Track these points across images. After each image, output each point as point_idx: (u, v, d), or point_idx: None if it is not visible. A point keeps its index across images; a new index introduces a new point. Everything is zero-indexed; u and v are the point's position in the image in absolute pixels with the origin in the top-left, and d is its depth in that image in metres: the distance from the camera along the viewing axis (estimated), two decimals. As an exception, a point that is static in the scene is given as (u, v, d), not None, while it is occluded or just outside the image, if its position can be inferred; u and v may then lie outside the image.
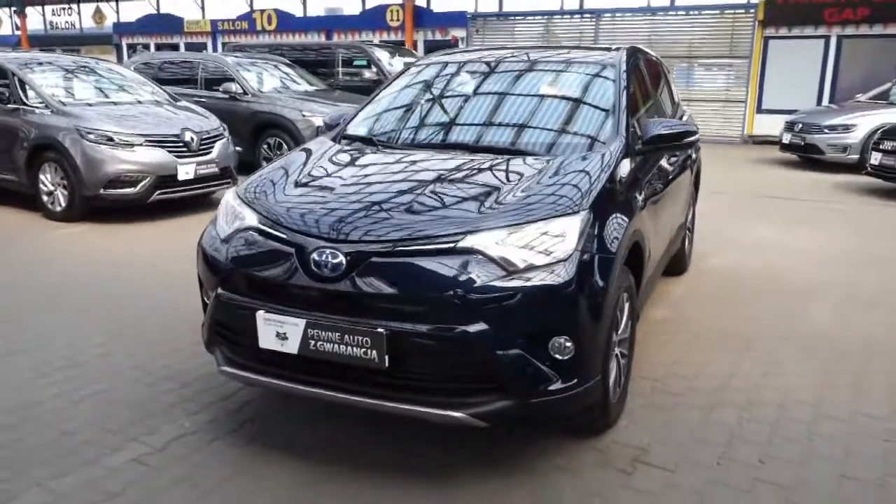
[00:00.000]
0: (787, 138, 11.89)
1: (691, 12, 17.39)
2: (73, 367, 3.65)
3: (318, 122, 9.43)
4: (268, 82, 10.58)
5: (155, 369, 3.65)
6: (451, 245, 2.50)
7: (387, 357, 2.43)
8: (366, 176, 3.12)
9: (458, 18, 20.68)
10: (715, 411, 3.21)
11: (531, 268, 2.47)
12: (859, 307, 4.68)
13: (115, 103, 7.69)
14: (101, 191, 6.84)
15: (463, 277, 2.43)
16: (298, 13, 24.68)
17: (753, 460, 2.81)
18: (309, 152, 3.48)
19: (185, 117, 7.68)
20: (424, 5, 22.12)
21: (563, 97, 3.68)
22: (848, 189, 9.58)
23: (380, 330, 2.42)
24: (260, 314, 2.60)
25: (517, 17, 19.66)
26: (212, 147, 7.55)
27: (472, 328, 2.39)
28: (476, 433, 2.84)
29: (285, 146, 9.53)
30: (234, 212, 3.00)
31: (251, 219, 2.86)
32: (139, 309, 4.50)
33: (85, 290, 4.89)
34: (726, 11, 17.01)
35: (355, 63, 13.09)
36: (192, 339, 3.97)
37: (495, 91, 3.81)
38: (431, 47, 19.38)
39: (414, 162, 3.20)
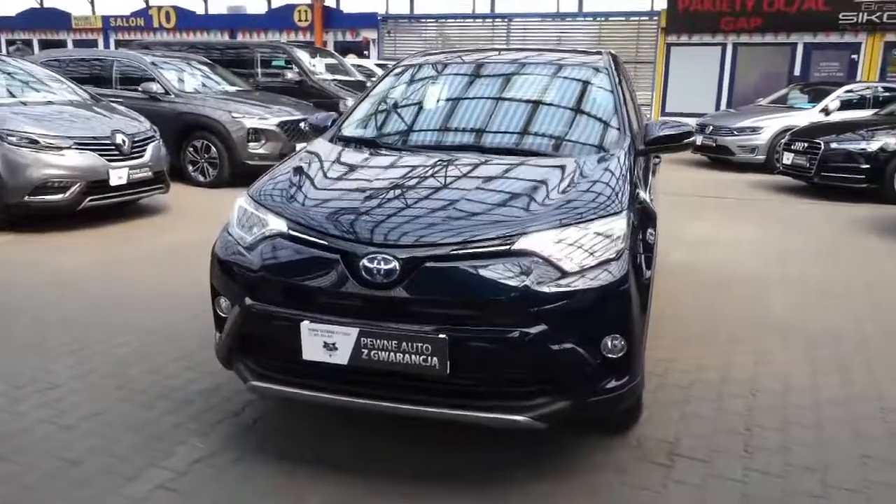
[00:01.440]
0: (699, 140, 12.53)
1: (598, 18, 18.07)
2: (50, 390, 3.35)
3: (250, 123, 9.12)
4: (189, 82, 10.10)
5: (143, 388, 3.40)
6: (506, 247, 2.47)
7: (448, 363, 2.36)
8: (392, 179, 3.03)
9: (368, 19, 20.54)
10: (725, 401, 3.33)
11: (586, 268, 2.47)
12: (812, 295, 4.99)
13: (24, 103, 7.10)
14: (26, 198, 6.31)
15: (520, 279, 2.41)
16: (199, 10, 23.76)
17: (777, 446, 2.93)
18: (316, 155, 3.34)
19: (113, 119, 7.21)
20: (334, 5, 21.82)
21: (564, 99, 3.71)
22: (764, 187, 10.20)
23: (442, 336, 2.35)
24: (304, 325, 2.46)
25: (428, 20, 19.75)
26: (144, 150, 7.13)
27: (533, 330, 2.37)
28: (503, 437, 2.83)
29: (213, 149, 9.13)
30: (253, 217, 2.83)
31: (278, 224, 2.71)
32: (102, 326, 4.17)
33: (31, 308, 4.48)
34: (631, 18, 17.80)
35: (274, 63, 12.72)
36: (171, 353, 3.76)
37: (493, 93, 3.79)
38: (342, 49, 19.14)
39: (435, 164, 3.13)
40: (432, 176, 3.01)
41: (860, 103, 11.95)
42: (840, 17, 15.68)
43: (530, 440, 2.90)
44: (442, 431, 2.91)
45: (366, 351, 2.42)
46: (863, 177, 8.60)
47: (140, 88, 9.41)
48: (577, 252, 2.50)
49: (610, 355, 2.50)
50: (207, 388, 3.38)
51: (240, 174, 8.75)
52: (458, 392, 2.46)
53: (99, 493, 2.55)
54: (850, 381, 3.57)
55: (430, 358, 2.37)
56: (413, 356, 2.38)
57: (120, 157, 6.82)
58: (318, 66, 12.68)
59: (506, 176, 2.96)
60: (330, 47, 21.05)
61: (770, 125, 11.50)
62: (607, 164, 3.03)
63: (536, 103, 3.68)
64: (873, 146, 8.55)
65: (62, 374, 3.53)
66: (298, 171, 3.12)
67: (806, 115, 11.35)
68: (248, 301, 2.62)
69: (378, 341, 2.40)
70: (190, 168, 9.38)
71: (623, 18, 17.86)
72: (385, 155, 3.35)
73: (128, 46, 14.13)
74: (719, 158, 12.22)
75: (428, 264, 2.43)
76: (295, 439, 2.96)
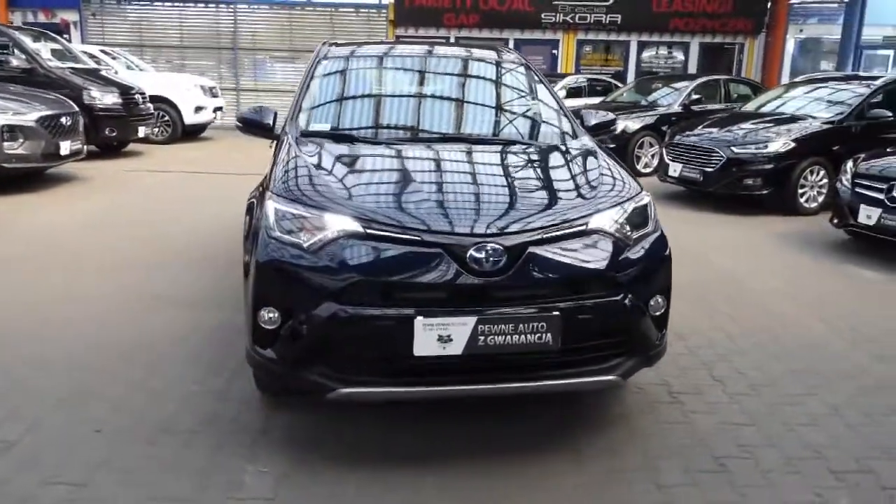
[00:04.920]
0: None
1: (329, 9, 18.24)
2: (27, 433, 2.76)
3: (3, 120, 7.69)
4: None
5: (159, 420, 3.01)
6: (583, 227, 2.73)
7: (560, 337, 2.57)
8: (423, 171, 3.08)
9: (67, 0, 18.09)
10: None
11: (639, 239, 2.85)
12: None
13: None
14: None
15: (604, 253, 2.70)
16: None
17: (735, 374, 3.63)
18: (314, 150, 3.19)
19: None
20: (18, -21, 18.75)
21: (513, 89, 4.00)
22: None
23: (556, 313, 2.55)
24: (419, 321, 2.46)
25: (142, 3, 18.08)
26: None
27: (620, 296, 2.68)
28: (516, 409, 3.10)
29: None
30: (301, 220, 2.68)
31: (343, 223, 2.61)
32: (65, 344, 3.48)
33: None
34: (361, 10, 18.29)
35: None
36: (164, 373, 3.38)
37: (446, 85, 3.95)
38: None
39: (449, 154, 3.25)
40: (462, 166, 3.15)
41: (577, 91, 13.98)
42: (542, 16, 17.94)
43: (553, 412, 3.18)
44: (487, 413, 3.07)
45: (482, 338, 2.51)
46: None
47: None
48: (629, 227, 2.86)
49: (656, 313, 2.91)
50: (208, 414, 3.07)
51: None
52: (557, 363, 2.67)
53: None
54: (776, 340, 4.46)
55: (544, 335, 2.55)
56: (528, 335, 2.54)
57: None
58: (43, 51, 11.02)
59: (531, 164, 3.21)
60: (18, 29, 18.15)
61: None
62: (595, 151, 3.41)
63: (486, 96, 3.93)
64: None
65: (46, 415, 2.91)
66: (315, 167, 3.01)
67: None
68: (333, 306, 2.51)
69: (495, 326, 2.51)
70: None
71: (353, 9, 18.27)
72: (385, 147, 3.34)
73: None
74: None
75: (531, 249, 2.59)
76: (359, 446, 2.88)
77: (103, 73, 11.89)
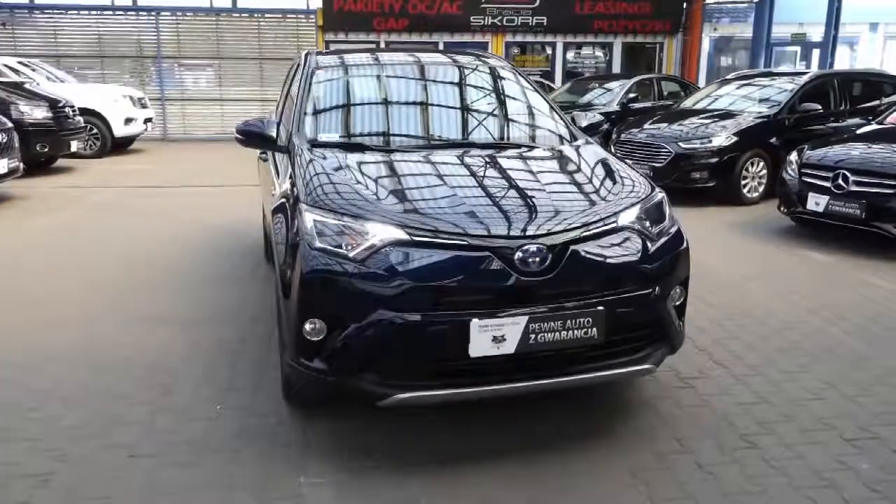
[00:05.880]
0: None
1: (255, 15, 17.92)
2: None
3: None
4: None
5: (193, 440, 2.96)
6: (613, 225, 2.87)
7: (605, 331, 2.69)
8: (453, 176, 3.14)
9: (-29, 9, 17.09)
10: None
11: (661, 234, 3.01)
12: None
13: None
14: None
15: (635, 249, 2.85)
16: None
17: (728, 353, 3.85)
18: (336, 160, 3.21)
19: None
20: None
21: (507, 94, 4.10)
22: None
23: (600, 307, 2.67)
24: (474, 323, 2.53)
25: (56, 11, 17.27)
26: None
27: (653, 288, 2.83)
28: (544, 405, 3.22)
29: None
30: (343, 229, 2.70)
31: (387, 232, 2.66)
32: (65, 371, 3.31)
33: None
34: (289, 16, 18.05)
35: None
36: (180, 393, 3.31)
37: (444, 91, 4.01)
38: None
39: (473, 160, 3.35)
40: (489, 171, 3.23)
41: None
42: (471, 19, 18.16)
43: (579, 404, 3.32)
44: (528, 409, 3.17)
45: (533, 336, 2.60)
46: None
47: None
48: (651, 223, 3.01)
49: (678, 302, 3.08)
50: (243, 431, 3.04)
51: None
52: (598, 356, 2.79)
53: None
54: (769, 312, 4.72)
55: (590, 329, 2.66)
56: (575, 331, 2.65)
57: None
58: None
59: (547, 164, 3.35)
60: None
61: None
62: (601, 152, 3.57)
63: (483, 101, 4.02)
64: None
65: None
66: (344, 177, 3.05)
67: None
68: (387, 313, 2.55)
69: (545, 324, 2.60)
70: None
71: (280, 16, 18.01)
72: (408, 155, 3.38)
73: None
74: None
75: (573, 247, 2.70)
76: (395, 449, 2.92)
77: (27, 86, 11.34)
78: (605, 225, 2.84)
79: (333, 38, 18.16)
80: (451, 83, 4.11)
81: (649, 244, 2.91)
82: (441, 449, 2.90)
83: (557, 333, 2.63)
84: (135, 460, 2.82)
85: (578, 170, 3.29)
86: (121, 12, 17.53)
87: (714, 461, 2.82)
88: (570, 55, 19.33)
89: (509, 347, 2.59)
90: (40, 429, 3.05)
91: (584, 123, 4.07)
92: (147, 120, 13.95)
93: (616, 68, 18.82)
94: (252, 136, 3.66)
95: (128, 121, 13.11)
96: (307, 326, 2.68)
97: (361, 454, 2.86)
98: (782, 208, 6.77)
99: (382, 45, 18.20)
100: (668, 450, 2.91)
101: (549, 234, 2.70)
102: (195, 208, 8.17)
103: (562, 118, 3.98)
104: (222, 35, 17.59)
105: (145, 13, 17.47)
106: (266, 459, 2.83)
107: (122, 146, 13.65)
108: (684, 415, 3.20)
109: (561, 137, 3.82)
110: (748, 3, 19.07)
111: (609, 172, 3.29)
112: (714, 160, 8.08)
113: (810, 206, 6.27)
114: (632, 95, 11.71)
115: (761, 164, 8.32)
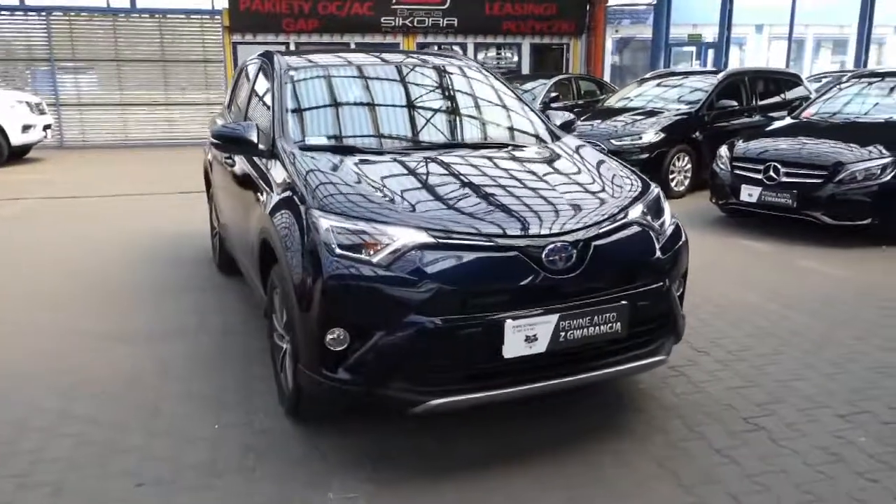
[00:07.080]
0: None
1: (157, 15, 17.12)
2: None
3: None
4: None
5: (200, 463, 2.78)
6: (624, 220, 2.91)
7: (627, 325, 2.73)
8: (460, 176, 3.11)
9: None
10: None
11: (664, 229, 3.08)
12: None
13: None
14: None
15: (648, 242, 2.92)
16: None
17: (714, 332, 4.01)
18: (333, 165, 3.09)
19: None
20: None
21: (485, 94, 4.08)
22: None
23: (624, 302, 2.70)
24: (508, 323, 2.51)
25: (-69, 11, 15.88)
26: None
27: (664, 282, 2.90)
28: (554, 405, 3.23)
29: None
30: (362, 235, 2.61)
31: (413, 235, 2.60)
32: (33, 396, 3.01)
33: None
34: (193, 16, 17.35)
35: None
36: (167, 414, 3.12)
37: (425, 93, 3.95)
38: None
39: (475, 160, 3.33)
40: (488, 171, 3.22)
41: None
42: (382, 20, 18.05)
43: (586, 402, 3.36)
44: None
45: (563, 334, 2.61)
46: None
47: None
48: (654, 217, 3.09)
49: (679, 292, 3.17)
50: (251, 449, 2.89)
51: None
52: (619, 350, 2.83)
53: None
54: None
55: (615, 324, 2.70)
56: (601, 326, 2.68)
57: None
58: None
59: (550, 164, 3.36)
60: None
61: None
62: (594, 151, 3.63)
63: (464, 100, 3.99)
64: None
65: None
66: (349, 179, 2.96)
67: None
68: (418, 318, 2.49)
69: (574, 321, 2.62)
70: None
71: (184, 16, 17.27)
72: (409, 157, 3.31)
73: None
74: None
75: (595, 243, 2.73)
76: (420, 455, 2.86)
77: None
78: (620, 220, 2.89)
79: (241, 39, 17.60)
80: (432, 83, 4.06)
81: (658, 237, 2.98)
82: (464, 453, 2.86)
83: (585, 330, 2.64)
84: (145, 489, 2.62)
85: (580, 167, 3.33)
86: (6, 12, 16.30)
87: (727, 445, 2.92)
88: (481, 56, 19.57)
89: (541, 346, 2.58)
90: (23, 464, 2.79)
91: (558, 122, 4.11)
92: (46, 127, 13.04)
93: (525, 69, 19.20)
94: (230, 140, 3.48)
95: (26, 128, 12.20)
96: (329, 336, 2.58)
97: (386, 464, 2.78)
98: (714, 200, 7.10)
99: (293, 48, 17.83)
100: (681, 437, 2.99)
101: (572, 230, 2.71)
102: (122, 217, 7.74)
103: (540, 117, 4.01)
104: (121, 37, 16.69)
105: (35, 14, 16.32)
106: (284, 477, 2.71)
107: (18, 155, 12.70)
108: (685, 402, 3.30)
109: (551, 135, 3.85)
110: (647, 5, 19.94)
111: (608, 169, 3.35)
112: (644, 156, 8.38)
113: (744, 197, 6.61)
114: (553, 95, 11.98)
115: (686, 158, 8.70)
